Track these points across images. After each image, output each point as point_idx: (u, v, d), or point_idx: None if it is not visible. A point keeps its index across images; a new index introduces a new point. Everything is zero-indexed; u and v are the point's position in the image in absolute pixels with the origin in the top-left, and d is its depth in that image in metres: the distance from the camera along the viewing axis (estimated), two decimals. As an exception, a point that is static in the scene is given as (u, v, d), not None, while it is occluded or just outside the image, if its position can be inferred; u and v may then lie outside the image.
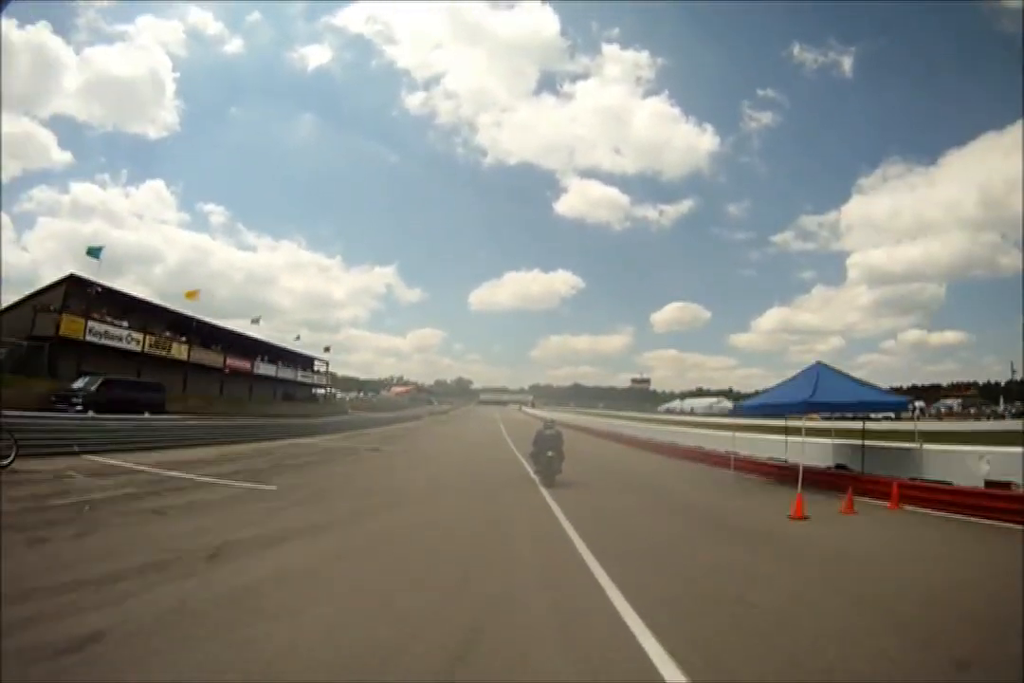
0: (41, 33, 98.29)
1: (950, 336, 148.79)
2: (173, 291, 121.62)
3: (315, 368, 63.94)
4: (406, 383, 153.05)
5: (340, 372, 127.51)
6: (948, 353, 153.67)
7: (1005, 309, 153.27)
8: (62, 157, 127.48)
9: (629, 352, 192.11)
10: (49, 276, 51.57)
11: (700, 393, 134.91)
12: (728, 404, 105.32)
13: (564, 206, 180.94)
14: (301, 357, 60.33)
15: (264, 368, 50.56)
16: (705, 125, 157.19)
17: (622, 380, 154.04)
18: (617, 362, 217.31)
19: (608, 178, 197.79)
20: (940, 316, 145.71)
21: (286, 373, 55.60)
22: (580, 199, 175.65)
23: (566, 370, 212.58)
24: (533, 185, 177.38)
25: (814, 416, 21.47)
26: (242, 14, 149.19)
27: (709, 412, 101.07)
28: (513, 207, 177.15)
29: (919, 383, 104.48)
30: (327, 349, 65.84)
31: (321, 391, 66.70)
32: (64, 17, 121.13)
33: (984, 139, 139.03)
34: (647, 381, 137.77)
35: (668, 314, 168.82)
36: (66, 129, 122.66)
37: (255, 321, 56.65)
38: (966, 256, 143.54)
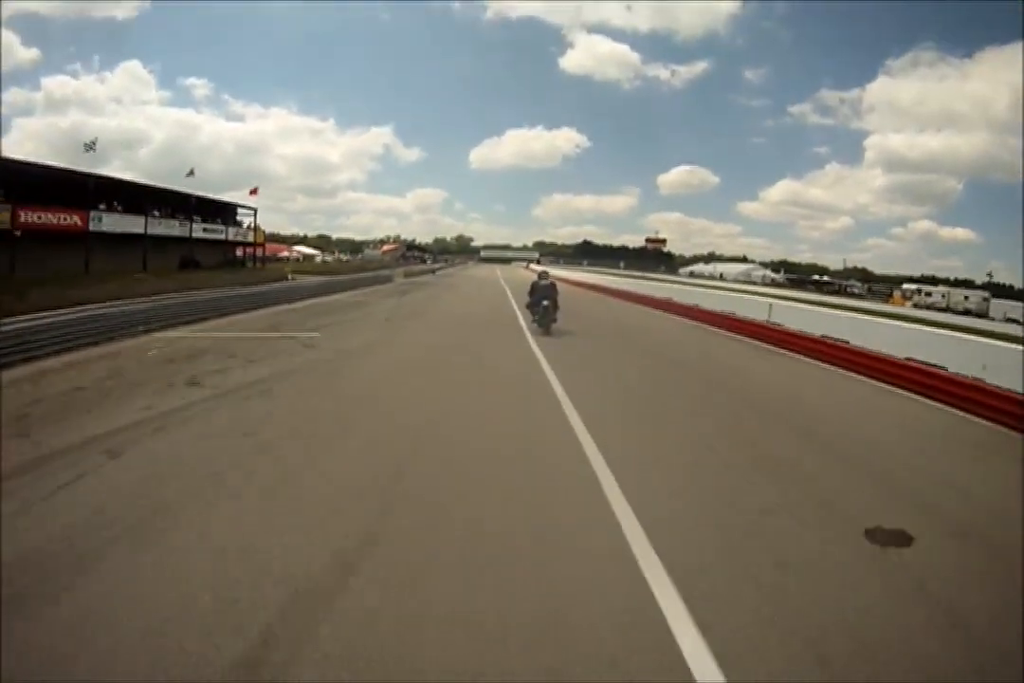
0: None
1: (960, 233, 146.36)
2: (162, 172, 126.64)
3: (237, 220, 44.25)
4: (395, 241, 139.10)
5: (338, 235, 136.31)
6: (955, 250, 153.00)
7: (1019, 215, 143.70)
8: (28, 54, 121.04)
9: (634, 213, 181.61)
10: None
11: (713, 258, 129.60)
12: (767, 273, 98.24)
13: (570, 62, 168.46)
14: (212, 205, 41.87)
15: (138, 223, 33.22)
16: None
17: (626, 241, 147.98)
18: (621, 223, 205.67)
19: (618, 35, 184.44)
20: (952, 211, 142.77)
21: (189, 231, 38.53)
22: (587, 55, 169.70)
23: (568, 229, 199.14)
24: (537, 40, 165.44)
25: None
26: None
27: (748, 280, 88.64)
28: (516, 63, 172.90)
29: (924, 273, 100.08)
30: (254, 191, 44.88)
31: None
32: None
33: None
34: (663, 241, 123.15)
35: (675, 177, 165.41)
36: (28, 25, 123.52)
37: (190, 174, 42.28)
38: (989, 156, 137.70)
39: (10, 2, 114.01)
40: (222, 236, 41.34)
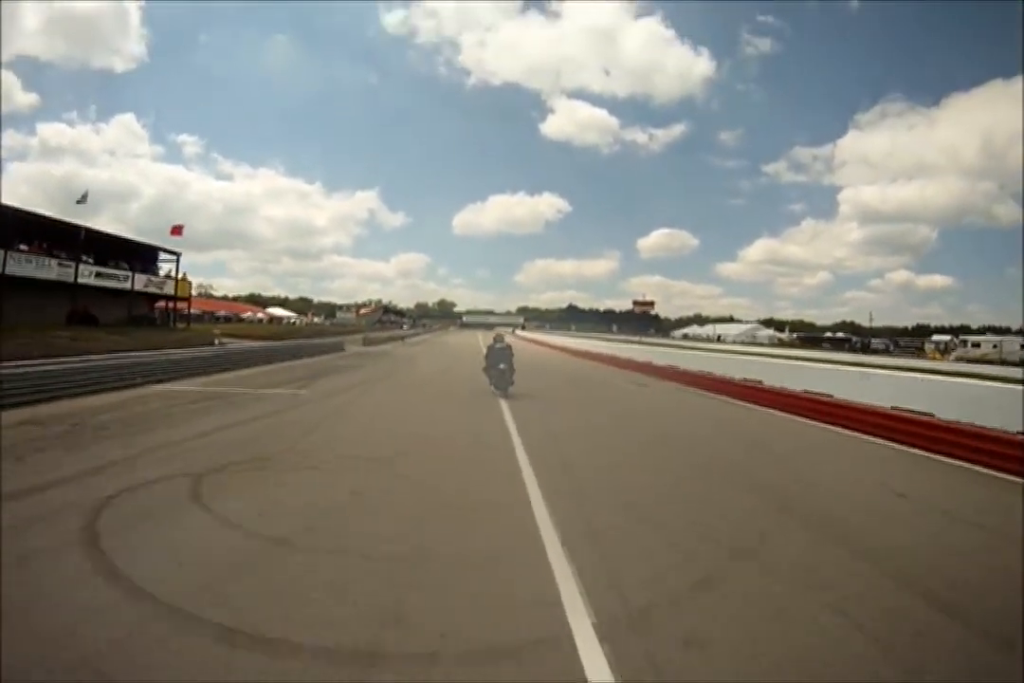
0: None
1: (938, 280, 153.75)
2: (151, 227, 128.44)
3: (157, 268, 34.49)
4: (367, 304, 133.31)
5: (322, 298, 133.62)
6: (934, 297, 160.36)
7: (995, 258, 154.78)
8: (27, 99, 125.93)
9: (615, 277, 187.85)
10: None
11: (700, 319, 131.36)
12: (770, 332, 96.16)
13: (551, 128, 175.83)
14: (120, 246, 32.72)
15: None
16: (700, 49, 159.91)
17: (609, 305, 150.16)
18: (603, 287, 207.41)
19: (597, 100, 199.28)
20: (929, 259, 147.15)
21: (74, 275, 28.85)
22: (567, 120, 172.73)
23: (550, 295, 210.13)
24: (518, 106, 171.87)
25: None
26: None
27: (752, 341, 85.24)
28: (498, 129, 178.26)
29: (905, 324, 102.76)
30: (176, 230, 35.36)
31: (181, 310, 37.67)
32: None
33: (991, 86, 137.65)
34: (651, 304, 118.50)
35: (655, 240, 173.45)
36: (29, 70, 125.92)
37: (81, 200, 34.54)
38: (961, 202, 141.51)
39: (12, 43, 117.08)
40: (124, 285, 30.77)
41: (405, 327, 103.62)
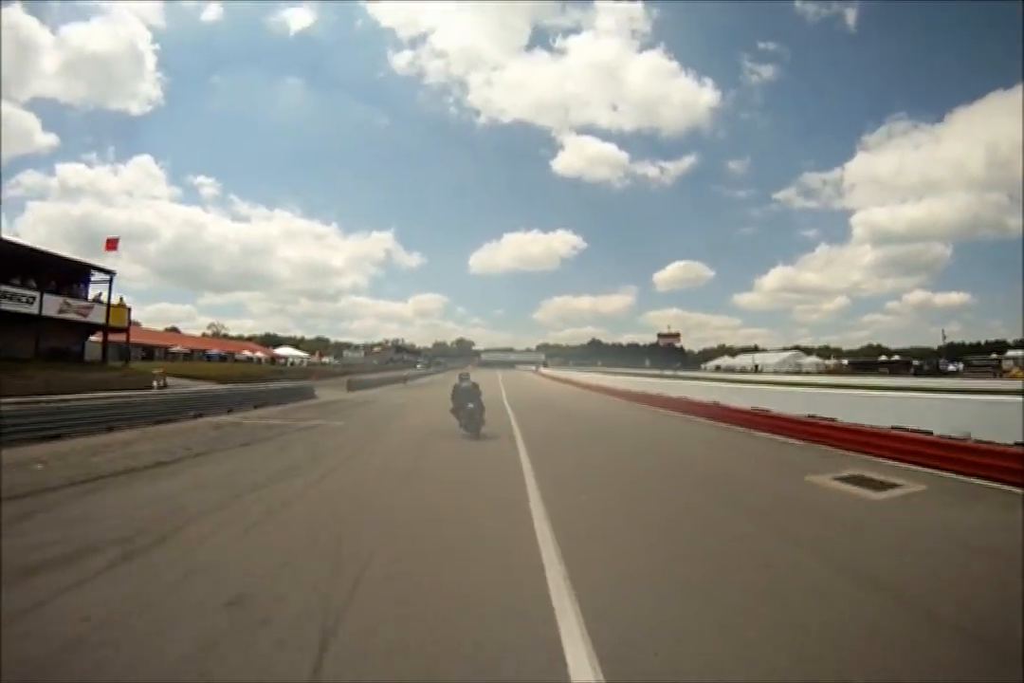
0: (14, 13, 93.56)
1: (955, 297, 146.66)
2: (170, 267, 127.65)
3: (83, 290, 26.72)
4: (383, 344, 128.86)
5: (341, 338, 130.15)
6: (952, 314, 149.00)
7: (1012, 270, 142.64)
8: (46, 140, 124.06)
9: (632, 312, 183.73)
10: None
11: (725, 351, 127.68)
12: (814, 359, 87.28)
13: (562, 164, 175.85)
14: (36, 260, 25.39)
15: None
16: (704, 79, 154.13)
17: (628, 339, 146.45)
18: (621, 322, 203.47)
19: (606, 135, 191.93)
20: (944, 277, 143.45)
21: None
22: (578, 156, 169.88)
23: (569, 331, 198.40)
24: (529, 144, 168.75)
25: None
26: None
27: (796, 369, 78.53)
28: (510, 166, 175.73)
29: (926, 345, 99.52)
30: (111, 244, 28.01)
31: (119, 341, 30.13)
32: None
33: (992, 98, 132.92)
34: (676, 336, 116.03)
35: (670, 273, 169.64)
36: (48, 111, 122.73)
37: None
38: (972, 216, 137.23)
39: (31, 85, 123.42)
40: (28, 308, 22.91)
41: (419, 366, 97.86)
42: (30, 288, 24.11)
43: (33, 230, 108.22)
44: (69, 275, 27.04)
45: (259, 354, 73.44)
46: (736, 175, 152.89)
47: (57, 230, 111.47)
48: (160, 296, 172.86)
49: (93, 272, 27.96)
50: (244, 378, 32.09)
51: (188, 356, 57.62)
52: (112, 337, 30.09)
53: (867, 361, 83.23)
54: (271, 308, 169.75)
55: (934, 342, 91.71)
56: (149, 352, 50.86)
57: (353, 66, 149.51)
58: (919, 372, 58.53)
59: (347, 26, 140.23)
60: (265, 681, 3.15)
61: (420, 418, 18.08)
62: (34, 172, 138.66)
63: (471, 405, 14.08)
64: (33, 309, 23.99)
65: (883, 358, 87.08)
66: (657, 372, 64.40)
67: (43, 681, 3.01)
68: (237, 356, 64.88)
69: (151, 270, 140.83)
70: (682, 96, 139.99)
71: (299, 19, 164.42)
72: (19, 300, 23.63)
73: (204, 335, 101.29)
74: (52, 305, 24.74)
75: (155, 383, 25.61)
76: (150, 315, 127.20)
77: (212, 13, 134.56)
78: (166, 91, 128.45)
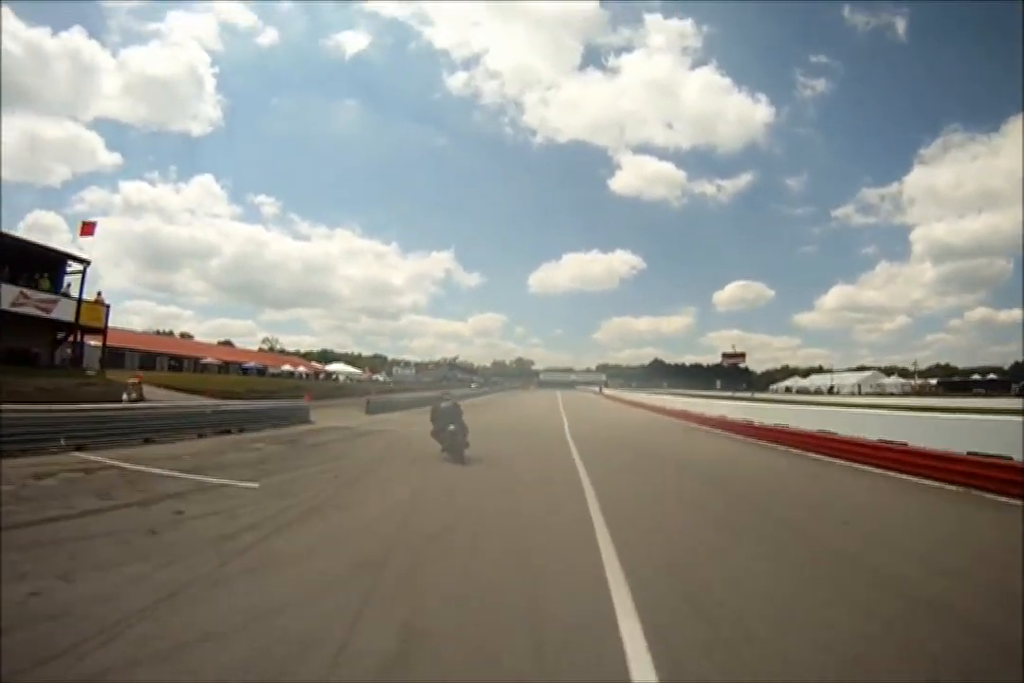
0: (76, 38, 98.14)
1: (1019, 314, 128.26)
2: (232, 284, 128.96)
3: (61, 283, 21.94)
4: (441, 362, 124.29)
5: (400, 356, 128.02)
6: (1015, 333, 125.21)
7: None
8: (110, 159, 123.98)
9: (692, 333, 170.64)
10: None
11: (789, 372, 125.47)
12: (896, 379, 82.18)
13: (619, 183, 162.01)
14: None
15: None
16: (758, 95, 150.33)
17: (688, 361, 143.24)
18: (680, 343, 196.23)
19: (662, 153, 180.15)
20: (1007, 293, 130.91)
21: None
22: (635, 176, 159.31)
23: (628, 352, 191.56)
24: (586, 163, 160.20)
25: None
26: (274, 4, 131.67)
27: (878, 391, 75.42)
28: (567, 186, 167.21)
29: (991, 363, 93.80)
30: (86, 229, 23.31)
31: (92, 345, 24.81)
32: (96, 20, 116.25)
33: None
34: (741, 356, 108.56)
35: (730, 293, 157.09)
36: (111, 131, 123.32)
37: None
38: None
39: (93, 105, 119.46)
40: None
41: (473, 386, 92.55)
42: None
43: (97, 244, 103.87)
44: (33, 263, 22.44)
45: (302, 369, 69.45)
46: (794, 192, 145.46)
47: (120, 245, 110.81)
48: (221, 311, 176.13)
49: (70, 263, 23.31)
50: (247, 394, 26.99)
51: (223, 368, 53.61)
52: (123, 343, 25.40)
53: (960, 381, 78.62)
54: (331, 325, 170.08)
55: (997, 360, 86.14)
56: (151, 360, 46.92)
57: (409, 87, 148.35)
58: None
59: (401, 48, 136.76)
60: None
61: (427, 472, 11.73)
62: (98, 189, 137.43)
63: (452, 427, 13.20)
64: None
65: (976, 377, 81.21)
66: (729, 394, 57.90)
67: (43, 681, 3.00)
68: (272, 371, 60.93)
69: (212, 286, 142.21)
70: (737, 112, 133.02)
71: (354, 42, 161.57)
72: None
73: (260, 350, 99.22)
74: (6, 296, 20.06)
75: (125, 395, 20.71)
76: (210, 330, 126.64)
77: (268, 37, 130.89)
78: (226, 112, 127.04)
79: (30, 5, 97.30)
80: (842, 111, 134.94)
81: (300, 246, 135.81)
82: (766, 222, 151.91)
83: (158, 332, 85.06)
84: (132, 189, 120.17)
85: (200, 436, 15.13)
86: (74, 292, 23.28)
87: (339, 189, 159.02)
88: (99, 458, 11.21)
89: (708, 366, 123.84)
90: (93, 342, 27.66)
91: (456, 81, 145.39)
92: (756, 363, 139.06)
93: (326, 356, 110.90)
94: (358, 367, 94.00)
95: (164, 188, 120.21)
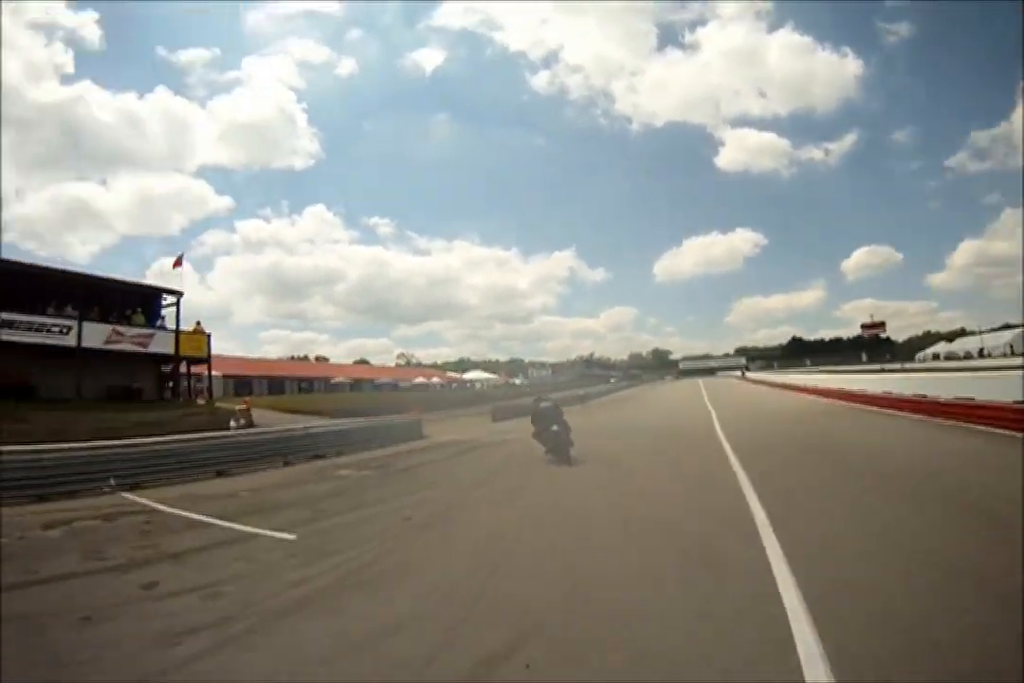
0: (161, 97, 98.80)
1: None
2: (359, 305, 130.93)
3: (158, 317, 21.07)
4: (572, 361, 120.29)
5: (535, 359, 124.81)
6: None
7: None
8: (222, 202, 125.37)
9: (825, 306, 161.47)
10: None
11: (931, 337, 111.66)
12: None
13: (724, 160, 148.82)
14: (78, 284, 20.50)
15: None
16: (843, 49, 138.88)
17: (825, 336, 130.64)
18: (813, 318, 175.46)
19: (761, 123, 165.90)
20: None
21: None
22: (739, 150, 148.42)
23: (764, 332, 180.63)
24: (687, 144, 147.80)
25: None
26: (341, 35, 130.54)
27: None
28: (673, 169, 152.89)
29: None
30: (177, 262, 21.88)
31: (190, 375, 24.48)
32: (176, 77, 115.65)
33: None
34: (881, 325, 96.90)
35: (856, 260, 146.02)
36: (217, 177, 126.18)
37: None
38: None
39: (195, 156, 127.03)
40: (63, 340, 17.56)
41: (612, 380, 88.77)
42: (65, 316, 18.63)
43: (224, 282, 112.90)
44: (126, 300, 21.74)
45: (436, 380, 68.60)
46: (903, 146, 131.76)
47: (247, 281, 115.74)
48: (355, 332, 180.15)
49: (165, 296, 22.39)
50: (369, 409, 25.20)
51: (355, 386, 53.37)
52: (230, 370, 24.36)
53: None
54: (464, 334, 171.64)
55: None
56: (280, 385, 46.98)
57: (495, 93, 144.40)
58: None
59: (478, 56, 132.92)
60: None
61: (536, 497, 8.68)
62: (216, 231, 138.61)
63: (555, 427, 12.73)
64: (69, 341, 18.45)
65: None
66: (877, 367, 51.65)
67: (43, 681, 2.95)
68: (401, 384, 60.05)
69: (343, 309, 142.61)
70: (825, 70, 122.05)
71: (430, 59, 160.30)
72: (48, 331, 18.16)
73: (397, 365, 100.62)
74: (97, 335, 19.18)
75: (233, 422, 19.24)
76: (346, 351, 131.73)
77: (345, 68, 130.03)
78: (323, 144, 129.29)
79: (108, 73, 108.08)
80: (931, 52, 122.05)
81: (421, 261, 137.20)
82: (879, 181, 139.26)
83: (292, 357, 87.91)
84: (249, 227, 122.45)
85: (286, 463, 12.98)
86: (172, 324, 22.50)
87: (450, 202, 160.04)
88: (143, 499, 9.44)
89: (848, 339, 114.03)
90: (216, 373, 26.83)
91: (540, 80, 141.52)
92: (894, 331, 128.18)
93: (463, 365, 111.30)
94: (495, 373, 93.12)
95: (279, 223, 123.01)
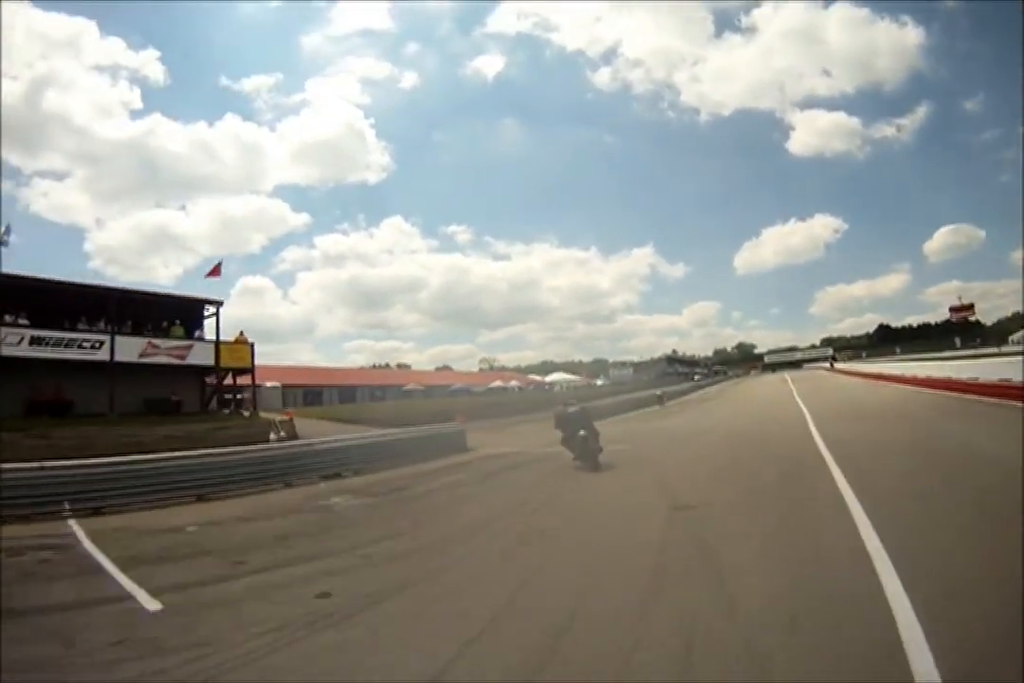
0: (230, 124, 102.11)
1: None
2: (441, 312, 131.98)
3: (198, 327, 20.68)
4: (656, 359, 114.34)
5: (620, 358, 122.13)
6: None
7: None
8: (299, 219, 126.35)
9: (909, 291, 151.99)
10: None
11: (1020, 318, 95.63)
12: None
13: (796, 145, 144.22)
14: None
15: None
16: (902, 18, 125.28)
17: (911, 322, 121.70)
18: (898, 305, 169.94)
19: (829, 103, 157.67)
20: None
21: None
22: (809, 133, 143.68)
23: (849, 321, 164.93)
24: (758, 130, 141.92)
25: None
26: (399, 50, 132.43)
27: None
28: (745, 158, 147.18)
29: None
30: (214, 270, 21.32)
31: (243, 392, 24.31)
32: (243, 104, 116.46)
33: None
34: (970, 308, 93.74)
35: (939, 241, 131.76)
36: (293, 195, 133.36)
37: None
38: None
39: (270, 177, 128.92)
40: (94, 354, 16.92)
41: (696, 378, 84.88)
42: (96, 331, 17.94)
43: (307, 296, 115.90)
44: (164, 313, 21.14)
45: (514, 383, 67.32)
46: (975, 115, 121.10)
47: (329, 294, 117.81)
48: (439, 339, 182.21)
49: (207, 306, 21.58)
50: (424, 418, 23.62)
51: (428, 393, 52.29)
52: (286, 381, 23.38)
53: None
54: (548, 337, 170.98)
55: None
56: (350, 394, 46.15)
57: (558, 94, 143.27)
58: None
59: (537, 59, 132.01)
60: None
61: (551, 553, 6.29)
62: (296, 247, 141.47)
63: (583, 432, 12.11)
64: (102, 355, 17.69)
65: None
66: (970, 352, 46.49)
67: (43, 681, 2.96)
68: (474, 389, 58.05)
69: (425, 316, 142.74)
70: (887, 41, 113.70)
71: (490, 65, 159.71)
72: (80, 346, 17.44)
73: (481, 370, 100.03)
74: (132, 348, 18.41)
75: (272, 434, 18.00)
76: (430, 358, 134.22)
77: (408, 81, 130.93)
78: (394, 157, 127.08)
79: (175, 105, 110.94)
80: (993, 14, 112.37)
81: (501, 266, 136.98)
82: (955, 155, 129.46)
83: (374, 366, 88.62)
84: (327, 242, 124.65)
85: (287, 485, 11.41)
86: (197, 335, 21.81)
87: (525, 205, 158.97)
88: (81, 529, 8.11)
89: (936, 324, 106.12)
90: (269, 384, 25.94)
91: (602, 77, 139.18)
92: (982, 314, 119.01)
93: (546, 367, 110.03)
94: (577, 374, 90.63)
95: (357, 236, 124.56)
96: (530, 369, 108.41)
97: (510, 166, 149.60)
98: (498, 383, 64.46)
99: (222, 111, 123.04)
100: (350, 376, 55.69)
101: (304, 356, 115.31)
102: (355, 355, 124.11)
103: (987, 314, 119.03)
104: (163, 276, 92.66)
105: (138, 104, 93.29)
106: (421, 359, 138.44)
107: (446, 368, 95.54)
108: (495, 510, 8.24)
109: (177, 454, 11.03)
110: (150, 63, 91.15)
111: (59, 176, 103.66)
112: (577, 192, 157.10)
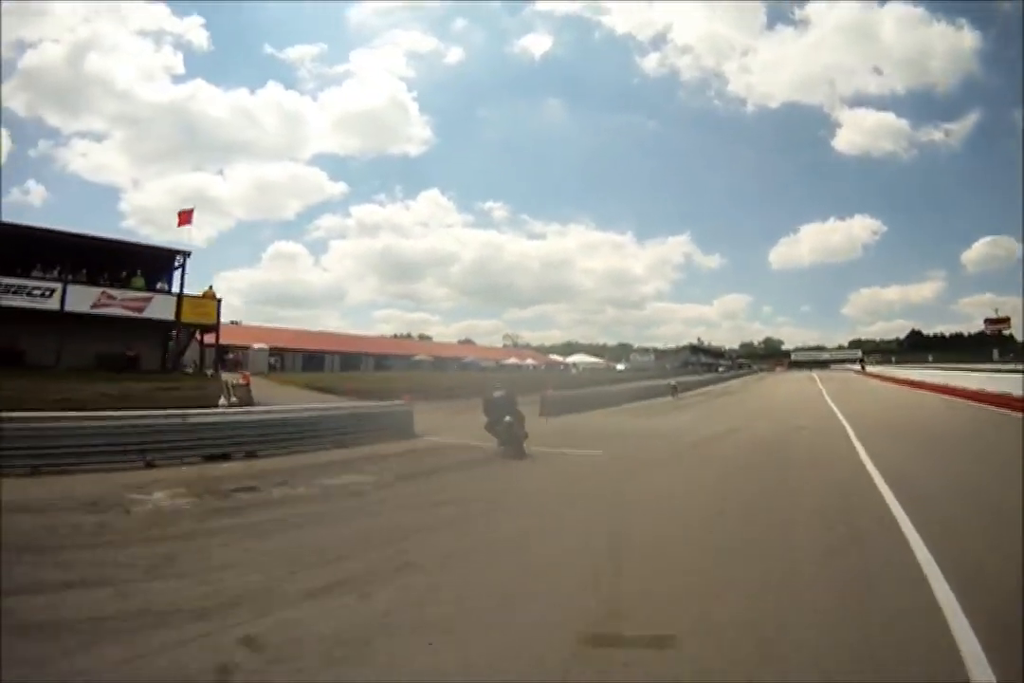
0: (272, 91, 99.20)
1: None
2: (472, 287, 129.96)
3: (163, 279, 18.98)
4: (681, 348, 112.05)
5: (646, 344, 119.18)
6: None
7: None
8: (336, 188, 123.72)
9: (942, 300, 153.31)
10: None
11: None
12: None
13: (842, 142, 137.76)
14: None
15: None
16: (958, 20, 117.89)
17: (943, 331, 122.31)
18: (930, 312, 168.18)
19: (878, 103, 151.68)
20: None
21: None
22: (856, 131, 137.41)
23: (880, 325, 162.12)
24: (804, 125, 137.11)
25: None
26: (446, 25, 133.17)
27: None
28: (790, 152, 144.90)
29: None
30: (184, 217, 19.65)
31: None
32: (286, 73, 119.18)
33: None
34: (1006, 321, 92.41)
35: (977, 252, 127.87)
36: (332, 164, 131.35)
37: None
38: None
39: (309, 145, 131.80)
40: (45, 303, 15.78)
41: (720, 370, 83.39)
42: (50, 279, 16.84)
43: (339, 263, 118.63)
44: (129, 262, 19.82)
45: (530, 361, 66.38)
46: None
47: (361, 263, 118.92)
48: (467, 314, 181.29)
49: (177, 257, 20.24)
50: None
51: (439, 364, 51.25)
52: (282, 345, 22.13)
53: None
54: (576, 319, 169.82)
55: None
56: (356, 361, 44.84)
57: (605, 76, 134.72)
58: None
59: (586, 40, 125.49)
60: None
61: None
62: (331, 216, 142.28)
63: (508, 418, 11.70)
64: (52, 304, 16.57)
65: None
66: (1011, 367, 42.78)
67: (43, 681, 2.82)
68: (484, 365, 56.09)
69: (456, 291, 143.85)
70: (942, 44, 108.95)
71: (538, 44, 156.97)
72: (29, 294, 16.34)
73: (505, 346, 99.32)
74: (85, 298, 17.24)
75: (222, 399, 16.70)
76: (457, 331, 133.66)
77: (454, 56, 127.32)
78: (436, 131, 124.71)
79: (218, 72, 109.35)
80: None
81: (536, 245, 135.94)
82: (1001, 164, 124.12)
83: (395, 335, 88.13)
84: (363, 212, 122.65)
85: (149, 464, 9.52)
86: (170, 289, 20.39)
87: (563, 186, 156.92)
88: None
89: (969, 335, 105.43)
90: (257, 345, 24.81)
91: (650, 62, 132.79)
92: (1015, 329, 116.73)
93: (569, 348, 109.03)
94: (600, 356, 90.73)
95: (393, 207, 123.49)
96: (554, 349, 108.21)
97: (551, 146, 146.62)
98: (513, 360, 63.41)
99: (264, 79, 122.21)
100: (358, 343, 54.47)
101: (332, 323, 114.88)
102: (383, 325, 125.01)
103: (1018, 330, 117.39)
104: (196, 238, 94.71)
105: (180, 69, 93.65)
106: (448, 332, 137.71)
107: (469, 342, 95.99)
108: (353, 549, 5.44)
109: (15, 414, 9.44)
110: (194, 29, 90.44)
111: (98, 137, 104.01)
112: (616, 176, 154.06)
